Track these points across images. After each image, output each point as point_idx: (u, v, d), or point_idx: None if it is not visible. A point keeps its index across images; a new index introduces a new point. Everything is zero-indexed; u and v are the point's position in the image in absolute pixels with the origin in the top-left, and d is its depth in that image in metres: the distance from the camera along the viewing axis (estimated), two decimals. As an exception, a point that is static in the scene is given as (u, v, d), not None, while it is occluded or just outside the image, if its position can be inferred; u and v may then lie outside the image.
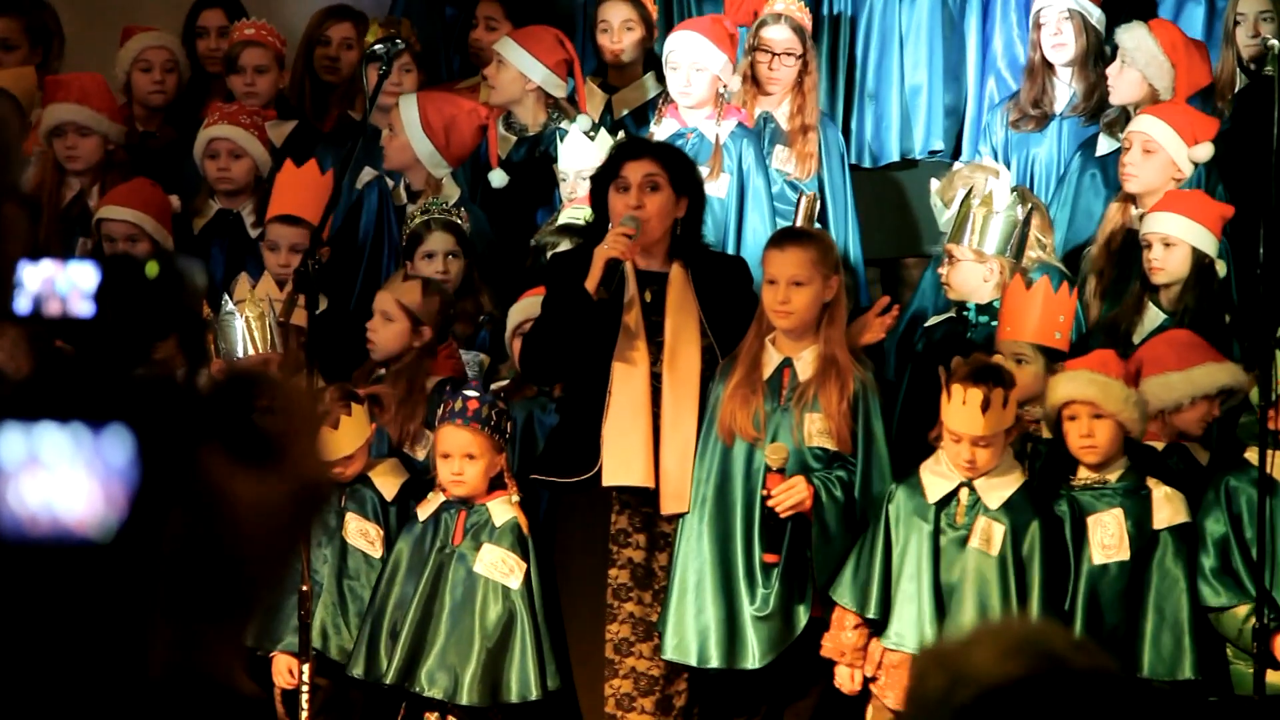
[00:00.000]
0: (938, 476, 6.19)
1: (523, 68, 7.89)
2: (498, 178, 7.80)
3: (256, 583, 2.07)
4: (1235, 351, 6.79)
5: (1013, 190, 7.13)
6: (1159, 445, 6.52)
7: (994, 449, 6.13)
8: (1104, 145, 7.72)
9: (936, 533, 6.15)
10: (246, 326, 6.80)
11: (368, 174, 7.84)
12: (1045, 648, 2.11)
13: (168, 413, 1.98)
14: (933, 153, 8.42)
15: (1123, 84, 7.63)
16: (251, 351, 6.80)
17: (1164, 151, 7.26)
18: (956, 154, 8.39)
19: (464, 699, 6.33)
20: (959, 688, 2.10)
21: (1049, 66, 7.94)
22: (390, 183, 7.74)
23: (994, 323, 6.85)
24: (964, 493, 6.17)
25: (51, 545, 1.93)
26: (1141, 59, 7.56)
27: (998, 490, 6.16)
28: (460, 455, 6.44)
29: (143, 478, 1.94)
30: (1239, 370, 6.56)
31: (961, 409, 6.08)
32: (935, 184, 7.35)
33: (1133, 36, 7.61)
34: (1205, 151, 7.29)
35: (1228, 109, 7.75)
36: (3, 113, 2.27)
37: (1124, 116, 7.67)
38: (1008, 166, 7.67)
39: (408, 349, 6.91)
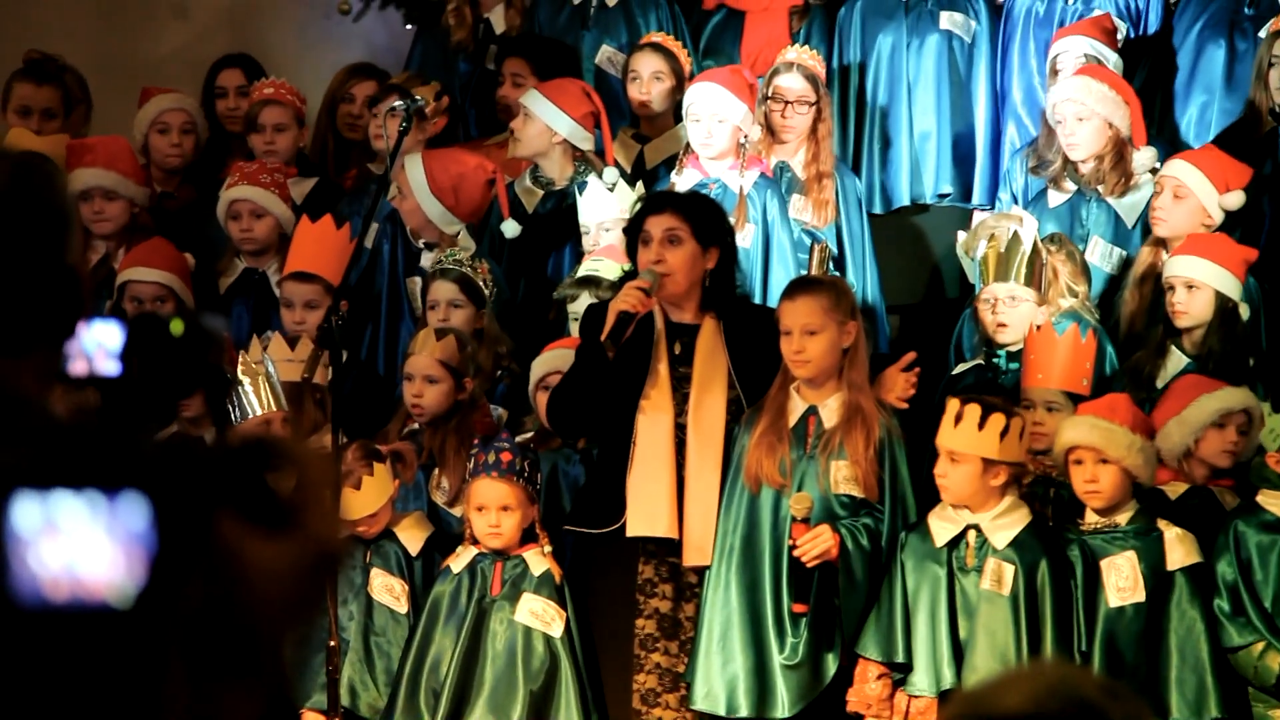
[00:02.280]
0: (944, 521, 6.21)
1: (549, 120, 7.90)
2: (510, 228, 7.82)
3: (273, 644, 2.09)
4: (1259, 392, 6.77)
5: (1050, 238, 7.13)
6: (1179, 488, 6.51)
7: (966, 473, 6.13)
8: (1054, 198, 7.69)
9: (951, 576, 6.16)
10: (254, 387, 6.80)
11: (375, 227, 7.88)
12: (1078, 693, 2.12)
13: (184, 478, 2.01)
14: (941, 196, 8.45)
15: (1085, 136, 7.53)
16: (258, 411, 6.79)
17: (1194, 197, 7.23)
18: (967, 198, 8.41)
19: None
20: None
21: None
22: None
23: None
24: (971, 534, 6.17)
25: (71, 610, 1.96)
26: (1102, 106, 7.53)
27: (1004, 530, 6.17)
28: (496, 508, 6.47)
29: (160, 543, 1.97)
30: (1235, 393, 6.54)
31: (941, 419, 6.14)
32: (961, 236, 7.35)
33: (1080, 87, 7.56)
34: (1236, 199, 7.27)
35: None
36: (62, 183, 2.31)
37: (1069, 169, 7.64)
38: (1028, 211, 7.68)
39: (453, 406, 6.95)
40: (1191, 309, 6.95)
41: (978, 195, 8.38)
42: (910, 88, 8.48)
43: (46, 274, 2.22)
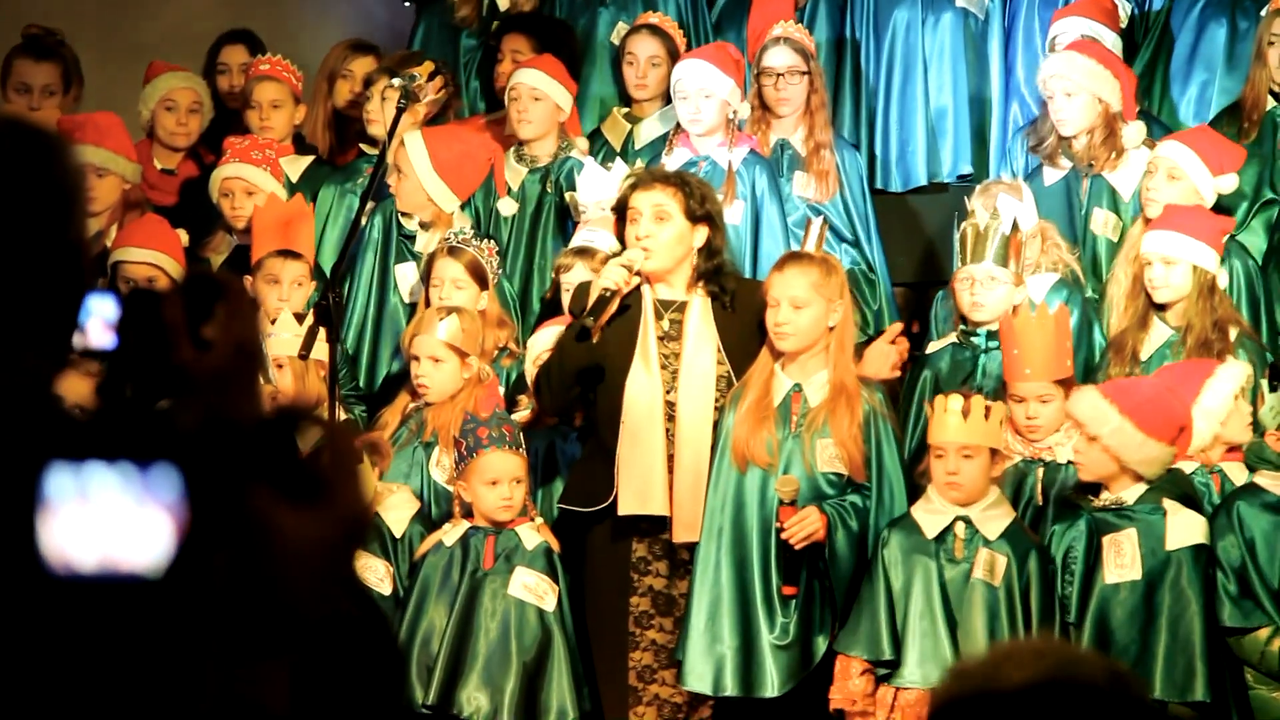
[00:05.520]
0: (931, 513, 6.21)
1: (558, 100, 7.96)
2: (507, 206, 7.83)
3: (302, 617, 2.09)
4: (1240, 355, 6.78)
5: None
6: (1191, 465, 6.50)
7: (979, 466, 6.15)
8: (1049, 176, 7.70)
9: (940, 568, 6.17)
10: None
11: (371, 206, 7.84)
12: (1083, 671, 2.13)
13: (216, 451, 2.00)
14: (961, 177, 8.44)
15: (1074, 112, 7.54)
16: None
17: (1188, 180, 7.23)
18: (986, 176, 8.40)
19: (505, 719, 6.37)
20: (993, 698, 2.12)
21: (1066, 91, 7.94)
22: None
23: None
24: (960, 526, 6.18)
25: (102, 582, 1.95)
26: (1090, 81, 7.53)
27: (994, 521, 6.19)
28: (510, 480, 6.50)
29: (191, 515, 1.96)
30: (1233, 370, 6.54)
31: (943, 417, 6.14)
32: (969, 206, 7.35)
33: (1066, 63, 7.57)
34: (1229, 183, 7.27)
35: (1255, 130, 7.74)
36: (77, 161, 2.29)
37: (1064, 146, 7.65)
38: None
39: (460, 384, 6.95)
40: (1169, 284, 6.95)
41: (993, 173, 8.37)
42: (926, 65, 8.47)
43: (48, 250, 2.21)
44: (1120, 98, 7.57)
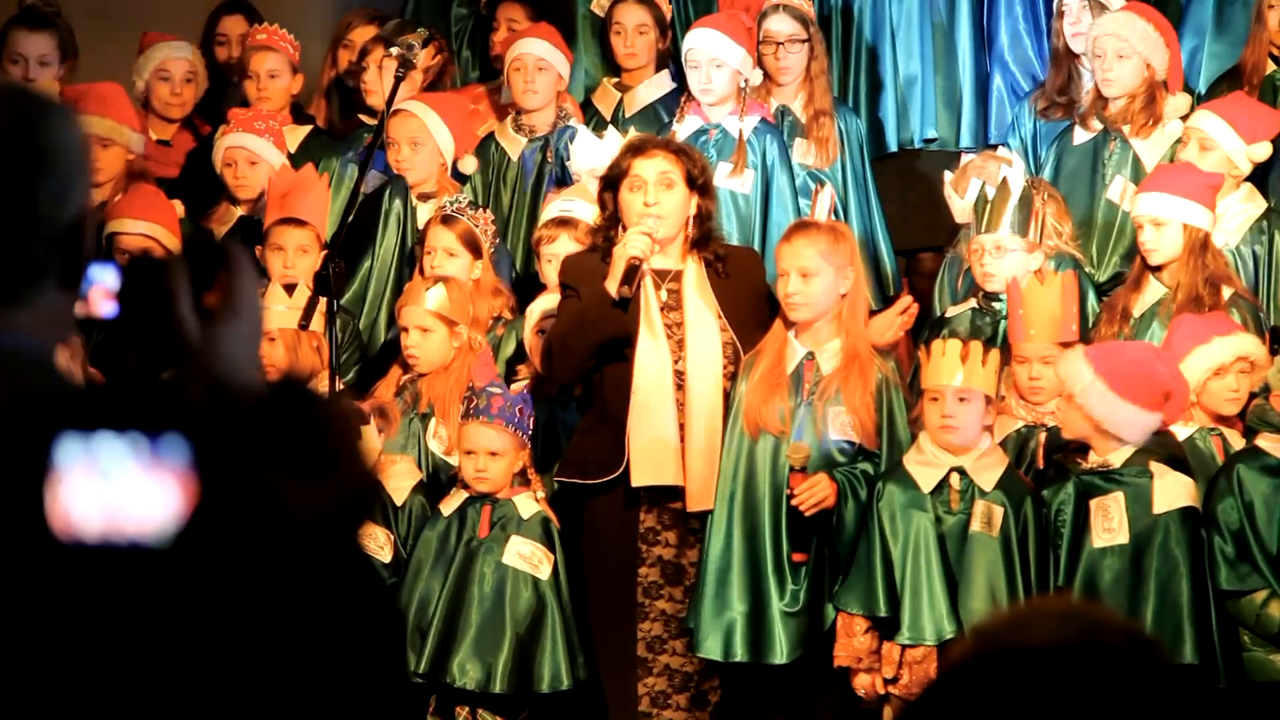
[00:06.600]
0: (925, 465, 6.22)
1: (561, 70, 7.97)
2: (468, 164, 7.84)
3: (309, 588, 2.09)
4: (1234, 315, 6.78)
5: (1031, 182, 7.13)
6: (1184, 428, 6.50)
7: (974, 412, 6.16)
8: (1080, 136, 7.69)
9: (936, 521, 6.18)
10: None
11: (376, 178, 7.83)
12: (1107, 630, 2.12)
13: (223, 420, 2.00)
14: (928, 140, 8.43)
15: (1122, 74, 7.50)
16: None
17: (1220, 150, 7.21)
18: (956, 141, 8.40)
19: (496, 688, 6.41)
20: (1015, 659, 2.11)
21: (1073, 55, 7.93)
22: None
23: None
24: (955, 478, 6.20)
25: (108, 551, 1.96)
26: (1144, 45, 7.52)
27: (989, 471, 6.21)
28: (484, 452, 6.53)
29: (199, 485, 1.96)
30: (1240, 341, 6.53)
31: (940, 360, 6.16)
32: (949, 176, 7.36)
33: (1125, 23, 7.53)
34: (1263, 150, 7.26)
35: (1254, 94, 7.72)
36: (82, 130, 2.29)
37: (1098, 108, 7.64)
38: (1038, 157, 7.67)
39: (451, 354, 6.95)
40: (1160, 246, 6.92)
41: (964, 138, 8.37)
42: (894, 32, 8.46)
43: (52, 219, 2.21)
44: (1167, 67, 7.55)
